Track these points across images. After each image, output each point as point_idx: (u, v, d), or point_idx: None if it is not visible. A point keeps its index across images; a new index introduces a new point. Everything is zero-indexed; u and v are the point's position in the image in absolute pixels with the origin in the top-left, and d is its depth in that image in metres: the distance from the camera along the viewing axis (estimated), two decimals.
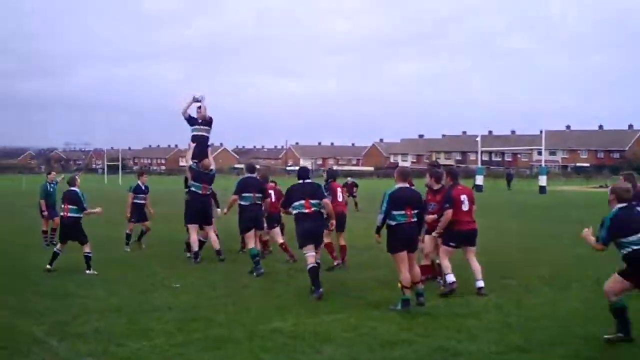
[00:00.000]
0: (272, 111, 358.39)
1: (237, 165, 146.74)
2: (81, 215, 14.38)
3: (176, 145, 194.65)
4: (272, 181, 17.22)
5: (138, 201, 18.10)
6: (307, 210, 12.09)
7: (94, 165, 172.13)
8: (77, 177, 15.42)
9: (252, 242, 14.29)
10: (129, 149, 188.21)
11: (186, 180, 16.77)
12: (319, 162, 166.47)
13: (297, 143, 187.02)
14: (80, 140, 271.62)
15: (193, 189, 16.12)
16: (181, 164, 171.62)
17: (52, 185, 19.62)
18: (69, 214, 14.26)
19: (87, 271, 14.04)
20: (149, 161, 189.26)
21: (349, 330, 9.42)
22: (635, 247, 8.41)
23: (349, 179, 34.51)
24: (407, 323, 9.80)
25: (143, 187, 18.32)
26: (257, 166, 18.33)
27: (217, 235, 16.27)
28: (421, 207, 11.17)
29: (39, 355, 8.25)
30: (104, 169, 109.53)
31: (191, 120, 16.65)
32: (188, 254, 16.21)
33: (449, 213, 11.76)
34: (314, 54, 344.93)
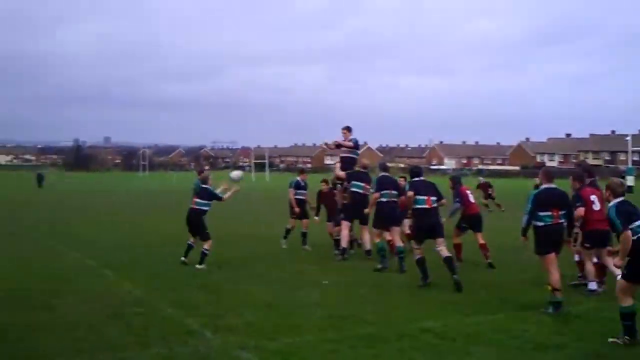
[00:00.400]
0: (417, 110, 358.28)
1: None
2: (207, 209, 15.08)
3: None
4: (401, 177, 17.32)
5: (299, 197, 18.38)
6: (428, 206, 12.68)
7: (240, 163, 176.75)
8: (209, 175, 16.00)
9: (383, 237, 14.75)
10: (275, 147, 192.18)
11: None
12: (464, 161, 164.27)
13: (441, 142, 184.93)
14: (227, 139, 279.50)
15: (354, 189, 16.20)
16: (326, 162, 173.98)
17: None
18: (196, 206, 15.01)
19: (197, 266, 14.46)
20: (295, 159, 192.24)
21: (499, 332, 9.22)
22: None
23: (480, 179, 33.89)
24: (559, 327, 9.51)
25: (303, 184, 18.63)
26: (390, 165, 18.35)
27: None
28: (568, 208, 10.87)
29: (195, 346, 8.53)
30: (251, 167, 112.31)
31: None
32: (336, 251, 16.37)
33: (580, 211, 11.63)
34: (460, 54, 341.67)
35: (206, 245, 14.75)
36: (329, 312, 10.35)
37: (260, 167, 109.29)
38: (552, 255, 10.48)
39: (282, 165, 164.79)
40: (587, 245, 11.80)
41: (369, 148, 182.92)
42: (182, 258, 15.02)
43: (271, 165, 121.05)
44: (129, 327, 9.43)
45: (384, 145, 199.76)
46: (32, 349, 8.40)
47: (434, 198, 12.80)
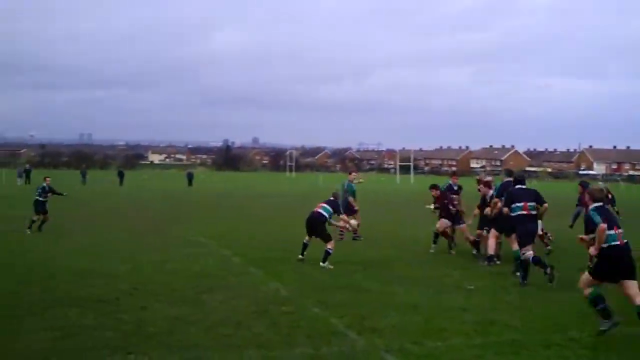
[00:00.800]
0: (566, 113, 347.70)
1: (528, 168, 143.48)
2: (327, 217, 15.54)
3: (467, 147, 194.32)
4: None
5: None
6: (525, 212, 13.27)
7: (385, 165, 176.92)
8: (338, 193, 16.93)
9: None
10: (420, 149, 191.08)
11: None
12: (614, 166, 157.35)
13: (590, 146, 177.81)
14: (373, 140, 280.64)
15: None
16: (472, 165, 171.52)
17: (350, 184, 20.56)
18: (320, 210, 15.60)
19: (322, 264, 14.78)
20: (440, 162, 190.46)
21: None
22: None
23: (600, 184, 32.46)
24: None
25: (455, 187, 18.46)
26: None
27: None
28: None
29: (339, 346, 8.56)
30: (395, 169, 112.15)
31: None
32: (474, 251, 16.37)
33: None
34: (613, 55, 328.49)
35: (329, 245, 14.99)
36: (475, 317, 10.17)
37: (405, 169, 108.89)
38: None
39: (426, 168, 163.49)
40: None
41: (516, 152, 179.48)
42: (300, 256, 15.49)
43: (416, 167, 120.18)
44: (275, 325, 9.57)
45: (531, 149, 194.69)
46: (183, 340, 8.69)
47: (531, 204, 13.33)
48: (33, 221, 21.62)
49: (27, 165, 58.92)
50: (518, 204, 13.29)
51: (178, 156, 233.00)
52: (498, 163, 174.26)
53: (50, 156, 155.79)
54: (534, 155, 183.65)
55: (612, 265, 9.26)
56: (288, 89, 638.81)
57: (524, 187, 13.84)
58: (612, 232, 9.31)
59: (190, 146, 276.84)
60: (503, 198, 14.28)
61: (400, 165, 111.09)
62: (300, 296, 11.60)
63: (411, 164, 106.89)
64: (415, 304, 11.05)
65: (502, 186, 15.35)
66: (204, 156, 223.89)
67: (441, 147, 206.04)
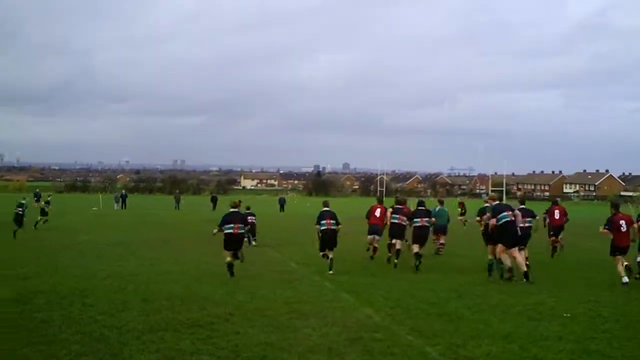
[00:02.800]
0: None
1: (622, 193, 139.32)
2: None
3: (560, 171, 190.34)
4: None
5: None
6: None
7: (477, 190, 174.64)
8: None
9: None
10: (513, 174, 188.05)
11: None
12: None
13: None
14: (464, 165, 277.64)
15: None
16: (564, 190, 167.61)
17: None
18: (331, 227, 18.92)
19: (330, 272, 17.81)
20: (532, 187, 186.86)
21: None
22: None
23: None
24: None
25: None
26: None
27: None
28: None
29: None
30: (487, 194, 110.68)
31: None
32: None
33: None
34: None
35: (330, 254, 18.54)
36: (571, 346, 9.94)
37: (497, 194, 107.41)
38: None
39: (519, 193, 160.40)
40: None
41: (610, 176, 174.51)
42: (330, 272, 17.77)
43: (508, 192, 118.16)
44: (368, 352, 9.55)
45: (626, 173, 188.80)
46: None
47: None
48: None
49: (123, 191, 60.81)
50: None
51: (270, 181, 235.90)
52: (592, 188, 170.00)
53: (145, 181, 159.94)
54: (629, 180, 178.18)
55: None
56: (378, 113, 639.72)
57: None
58: None
59: (282, 171, 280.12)
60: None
61: (492, 190, 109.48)
62: (392, 323, 11.55)
63: (503, 188, 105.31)
64: (509, 332, 10.86)
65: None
66: (296, 181, 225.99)
67: (534, 172, 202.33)
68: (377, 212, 21.85)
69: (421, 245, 19.21)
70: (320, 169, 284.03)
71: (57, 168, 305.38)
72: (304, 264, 20.26)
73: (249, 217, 26.05)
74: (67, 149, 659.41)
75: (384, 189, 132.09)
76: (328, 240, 18.84)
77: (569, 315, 12.35)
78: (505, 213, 16.87)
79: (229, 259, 17.35)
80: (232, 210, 17.96)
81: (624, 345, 10.09)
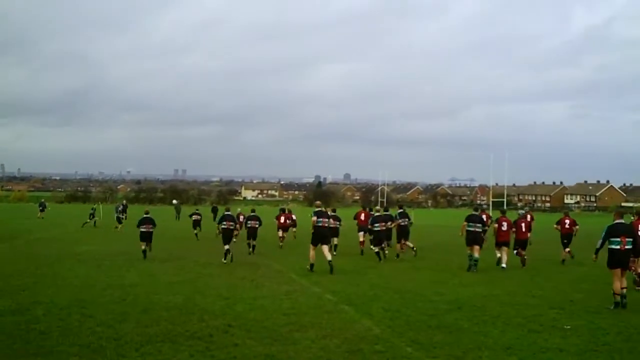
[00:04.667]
0: None
1: (623, 204, 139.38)
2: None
3: (561, 182, 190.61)
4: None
5: None
6: (619, 247, 15.07)
7: (478, 201, 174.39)
8: None
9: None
10: (514, 185, 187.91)
11: None
12: None
13: None
14: (465, 176, 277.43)
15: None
16: (565, 201, 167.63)
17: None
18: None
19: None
20: (533, 198, 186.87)
21: None
22: None
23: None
24: None
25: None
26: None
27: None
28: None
29: None
30: (488, 205, 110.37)
31: None
32: None
33: None
34: None
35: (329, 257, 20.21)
36: (572, 359, 9.89)
37: (498, 205, 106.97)
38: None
39: (520, 204, 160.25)
40: None
41: (611, 187, 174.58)
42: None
43: (509, 203, 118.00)
44: None
45: (627, 184, 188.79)
46: None
47: (629, 239, 15.14)
48: None
49: (124, 201, 60.91)
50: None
51: (271, 192, 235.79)
52: (593, 199, 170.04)
53: (146, 191, 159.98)
54: (630, 191, 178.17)
55: None
56: (380, 124, 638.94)
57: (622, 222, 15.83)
58: None
59: (282, 182, 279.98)
60: None
61: (492, 201, 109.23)
62: (392, 335, 11.49)
63: (504, 199, 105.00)
64: (510, 344, 10.81)
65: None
66: (296, 192, 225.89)
67: (535, 183, 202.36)
68: (362, 216, 29.34)
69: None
70: (321, 180, 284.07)
71: (58, 178, 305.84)
72: (304, 275, 20.19)
73: (250, 222, 29.47)
74: (68, 159, 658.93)
75: (385, 200, 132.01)
76: (322, 235, 21.38)
77: (569, 327, 12.30)
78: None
79: (143, 247, 25.22)
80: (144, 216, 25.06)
81: (625, 358, 10.06)
